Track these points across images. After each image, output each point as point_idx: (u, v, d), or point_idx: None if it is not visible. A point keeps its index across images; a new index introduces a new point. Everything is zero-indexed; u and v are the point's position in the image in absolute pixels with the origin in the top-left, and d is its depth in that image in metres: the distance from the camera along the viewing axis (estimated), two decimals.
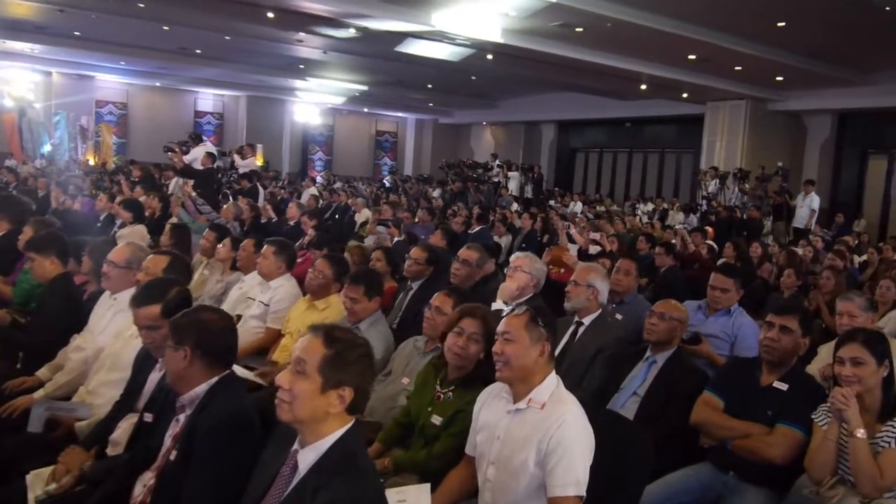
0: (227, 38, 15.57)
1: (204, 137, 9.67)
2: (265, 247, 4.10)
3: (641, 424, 2.69)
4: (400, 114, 25.79)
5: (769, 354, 2.69)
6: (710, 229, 8.88)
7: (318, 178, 23.33)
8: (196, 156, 8.53)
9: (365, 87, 20.65)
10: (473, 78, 18.25)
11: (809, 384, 2.74)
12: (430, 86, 20.16)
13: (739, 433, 2.60)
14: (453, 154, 22.48)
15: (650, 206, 14.62)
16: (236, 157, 9.95)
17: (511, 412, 2.11)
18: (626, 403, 2.90)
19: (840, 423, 2.31)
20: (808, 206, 10.76)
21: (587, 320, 3.29)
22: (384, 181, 20.31)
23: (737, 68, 13.63)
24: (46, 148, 18.67)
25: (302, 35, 14.11)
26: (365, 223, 8.43)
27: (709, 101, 16.07)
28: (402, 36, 12.86)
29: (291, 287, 4.07)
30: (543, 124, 22.50)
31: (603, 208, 13.82)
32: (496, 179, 15.17)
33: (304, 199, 10.31)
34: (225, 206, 6.11)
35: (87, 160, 19.46)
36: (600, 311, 3.34)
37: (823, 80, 13.96)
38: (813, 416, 2.47)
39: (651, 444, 2.24)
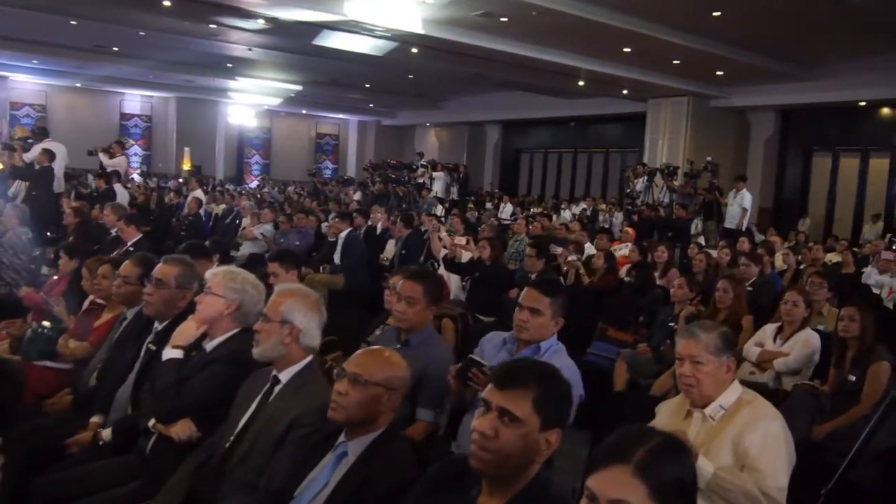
0: (142, 33, 14.84)
1: (48, 132, 8.68)
2: None
3: None
4: (341, 115, 25.03)
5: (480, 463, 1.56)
6: (630, 230, 8.13)
7: (255, 182, 22.44)
8: (35, 154, 7.51)
9: (299, 87, 19.95)
10: (411, 76, 17.84)
11: None
12: (367, 85, 19.63)
13: None
14: (398, 157, 21.83)
15: (582, 206, 13.96)
16: (103, 157, 8.94)
17: None
18: None
19: None
20: (738, 204, 10.08)
21: (286, 375, 2.16)
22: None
23: (675, 62, 13.25)
24: None
25: (214, 28, 13.32)
26: None
27: (650, 98, 15.71)
28: (317, 28, 12.10)
29: None
30: (488, 125, 22.11)
31: (538, 210, 13.11)
32: (421, 180, 14.36)
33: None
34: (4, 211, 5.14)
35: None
36: (308, 359, 2.21)
37: (766, 75, 13.64)
38: None
39: None
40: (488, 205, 14.95)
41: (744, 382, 3.85)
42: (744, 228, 9.71)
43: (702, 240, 9.36)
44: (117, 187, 7.79)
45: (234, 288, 2.44)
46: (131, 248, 4.96)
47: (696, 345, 2.18)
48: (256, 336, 2.16)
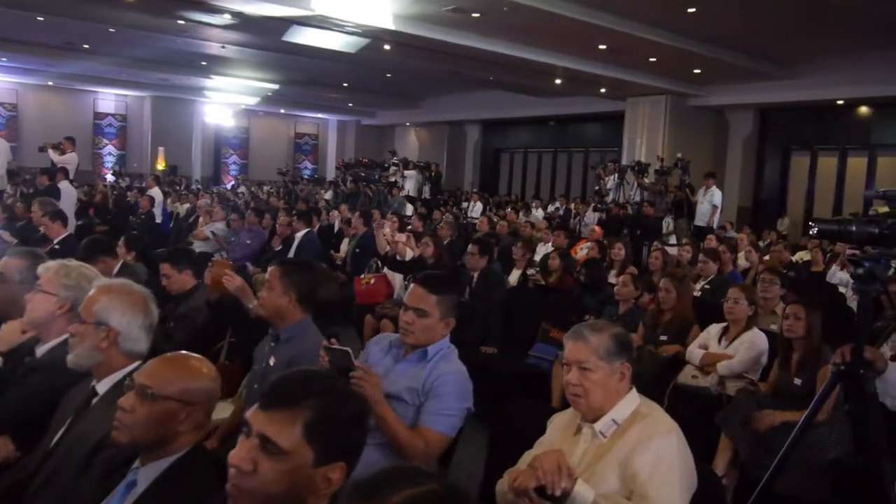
0: (112, 30, 14.63)
1: None
2: None
3: None
4: (320, 115, 24.76)
5: None
6: (597, 228, 7.93)
7: (231, 183, 22.14)
8: None
9: (276, 86, 19.72)
10: (388, 75, 17.65)
11: None
12: (345, 84, 19.44)
13: None
14: (379, 157, 21.66)
15: (555, 206, 13.79)
16: (52, 153, 8.64)
17: None
18: None
19: None
20: (708, 201, 9.89)
21: (104, 385, 1.87)
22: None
23: (651, 60, 13.13)
24: None
25: (182, 24, 13.08)
26: None
27: (629, 96, 15.57)
28: (286, 23, 11.89)
29: None
30: (467, 124, 21.92)
31: (511, 209, 12.93)
32: (392, 179, 14.12)
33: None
34: None
35: None
36: (132, 367, 1.86)
37: (743, 73, 13.52)
38: None
39: None
40: (465, 204, 14.74)
41: (685, 388, 3.72)
42: (715, 226, 9.53)
43: (673, 238, 9.19)
44: (64, 185, 7.51)
45: (67, 285, 2.14)
46: (57, 247, 4.70)
47: (583, 348, 1.87)
48: (70, 340, 1.88)
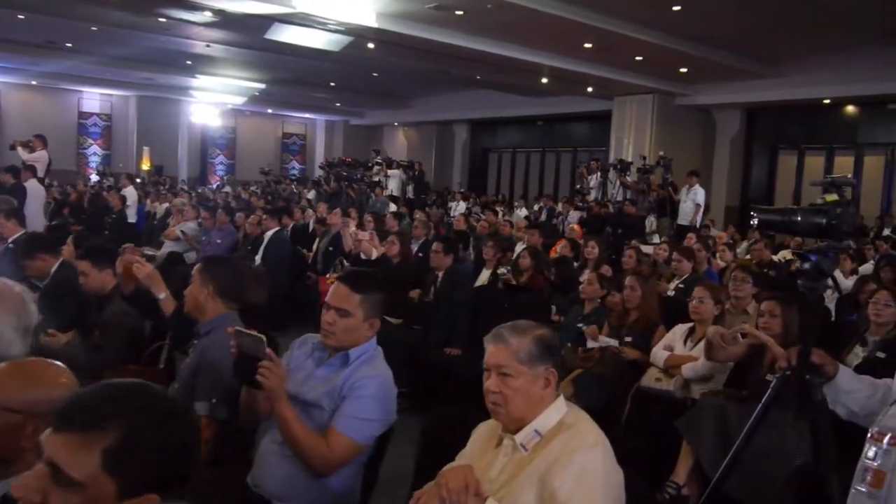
0: (94, 28, 14.48)
1: None
2: None
3: None
4: (308, 115, 24.56)
5: None
6: (577, 227, 7.81)
7: (217, 183, 21.95)
8: None
9: (262, 86, 19.57)
10: (375, 75, 17.53)
11: None
12: (332, 84, 19.27)
13: None
14: (365, 157, 21.55)
15: (539, 205, 13.69)
16: (22, 151, 8.48)
17: None
18: None
19: None
20: (691, 200, 9.78)
21: None
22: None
23: (637, 58, 13.07)
24: None
25: (164, 21, 12.96)
26: None
27: (616, 96, 15.51)
28: (268, 21, 11.78)
29: None
30: (456, 124, 21.79)
31: (502, 210, 12.82)
32: (376, 178, 13.99)
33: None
34: None
35: None
36: None
37: (730, 72, 13.45)
38: None
39: None
40: (451, 204, 14.64)
41: (648, 391, 3.59)
42: (698, 225, 9.43)
43: (656, 237, 9.08)
44: (30, 183, 7.33)
45: None
46: (11, 245, 4.55)
47: (503, 351, 1.70)
48: None
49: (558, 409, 1.69)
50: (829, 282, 1.79)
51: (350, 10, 10.97)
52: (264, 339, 1.88)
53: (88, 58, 16.96)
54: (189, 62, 17.59)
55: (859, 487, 1.53)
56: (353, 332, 2.09)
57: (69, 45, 16.42)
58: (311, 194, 13.91)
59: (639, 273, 3.87)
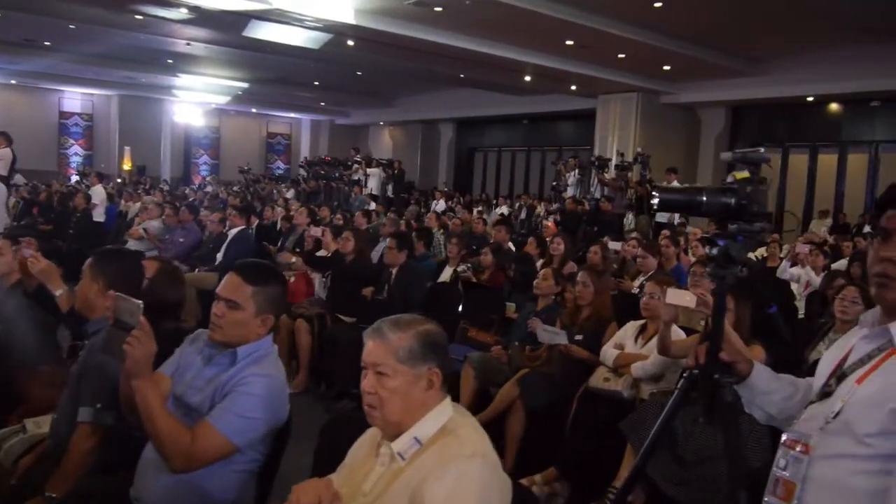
0: (72, 26, 14.32)
1: None
2: None
3: None
4: (293, 115, 24.41)
5: None
6: (551, 224, 7.68)
7: (199, 183, 21.76)
8: None
9: (245, 85, 19.42)
10: (359, 73, 17.39)
11: None
12: (316, 83, 19.14)
13: None
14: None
15: (518, 203, 13.58)
16: None
17: None
18: None
19: None
20: None
21: None
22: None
23: (620, 56, 12.99)
24: None
25: (141, 19, 12.79)
26: None
27: (600, 94, 15.43)
28: (244, 18, 11.64)
29: None
30: (441, 123, 21.68)
31: (480, 208, 12.69)
32: (356, 177, 13.83)
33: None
34: None
35: None
36: None
37: (714, 70, 13.38)
38: None
39: None
40: (432, 202, 14.51)
41: (596, 391, 3.46)
42: (675, 223, 9.32)
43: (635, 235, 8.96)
44: None
45: None
46: None
47: (381, 348, 1.50)
48: None
49: (442, 414, 1.51)
50: (741, 269, 1.63)
51: (327, 7, 10.86)
52: (141, 305, 1.73)
53: (68, 56, 16.79)
54: (170, 61, 17.42)
55: (769, 499, 1.40)
56: (241, 326, 1.91)
57: (47, 43, 16.24)
58: (290, 193, 13.74)
59: (592, 268, 3.72)
